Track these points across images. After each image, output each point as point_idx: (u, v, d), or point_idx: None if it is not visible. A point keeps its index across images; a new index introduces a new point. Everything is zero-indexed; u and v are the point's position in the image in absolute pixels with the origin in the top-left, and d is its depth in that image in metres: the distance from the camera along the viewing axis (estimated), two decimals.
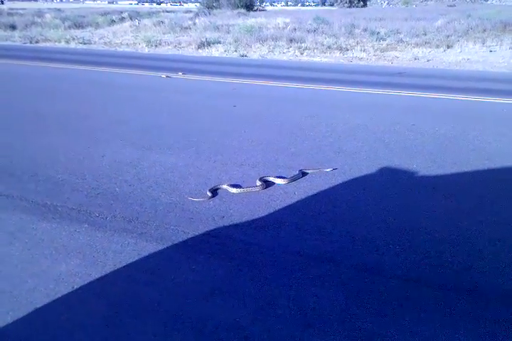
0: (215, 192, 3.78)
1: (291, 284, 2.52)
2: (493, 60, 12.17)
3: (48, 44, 18.13)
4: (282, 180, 4.00)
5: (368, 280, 2.56)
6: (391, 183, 3.99)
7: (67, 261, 2.75)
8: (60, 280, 2.55)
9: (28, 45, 18.17)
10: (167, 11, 35.65)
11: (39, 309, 2.30)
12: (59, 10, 35.06)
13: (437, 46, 14.72)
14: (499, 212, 3.41)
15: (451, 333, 2.15)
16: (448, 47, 14.67)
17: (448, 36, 16.10)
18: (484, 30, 16.81)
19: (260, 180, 3.94)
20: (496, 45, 14.47)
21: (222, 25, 20.20)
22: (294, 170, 4.21)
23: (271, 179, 4.03)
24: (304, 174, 4.18)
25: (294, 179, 4.05)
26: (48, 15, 26.72)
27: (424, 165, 4.40)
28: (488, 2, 43.23)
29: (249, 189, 3.81)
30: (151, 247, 2.89)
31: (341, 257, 2.81)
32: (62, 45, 17.88)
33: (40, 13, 28.18)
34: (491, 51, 13.69)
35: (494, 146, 4.93)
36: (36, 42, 18.68)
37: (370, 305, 2.35)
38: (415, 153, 4.75)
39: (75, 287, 2.48)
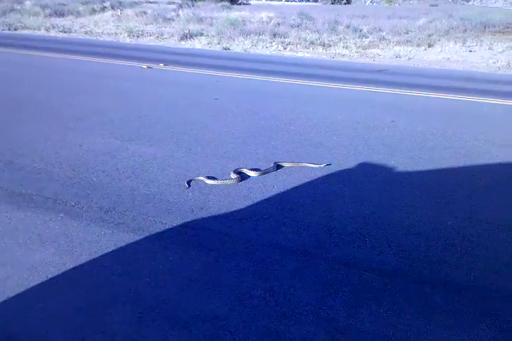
0: (189, 183, 3.77)
1: (267, 276, 2.54)
2: (473, 60, 12.34)
3: (26, 31, 17.70)
4: (255, 172, 4.01)
5: (344, 273, 2.59)
6: (369, 178, 4.03)
7: (42, 250, 2.71)
8: (34, 269, 2.51)
9: (6, 32, 17.73)
10: (150, 2, 35.08)
11: (12, 298, 2.26)
12: None
13: (418, 45, 14.84)
14: (473, 209, 3.48)
15: (424, 325, 2.19)
16: (429, 46, 14.82)
17: (429, 35, 16.25)
18: (465, 31, 17.03)
19: (235, 172, 3.95)
20: (476, 46, 14.66)
21: (205, 18, 19.96)
22: (273, 163, 4.21)
23: (244, 171, 4.04)
24: (278, 167, 4.19)
25: (266, 171, 4.06)
26: (27, 3, 26.01)
27: (402, 161, 4.45)
28: (470, 3, 43.82)
29: (225, 181, 3.82)
30: (127, 238, 2.87)
31: (318, 250, 2.83)
32: (42, 33, 17.48)
33: (19, 0, 27.41)
34: (470, 51, 13.87)
35: (471, 144, 5.01)
36: (15, 29, 18.22)
37: (345, 297, 2.38)
38: (394, 149, 4.81)
39: (49, 276, 2.45)
